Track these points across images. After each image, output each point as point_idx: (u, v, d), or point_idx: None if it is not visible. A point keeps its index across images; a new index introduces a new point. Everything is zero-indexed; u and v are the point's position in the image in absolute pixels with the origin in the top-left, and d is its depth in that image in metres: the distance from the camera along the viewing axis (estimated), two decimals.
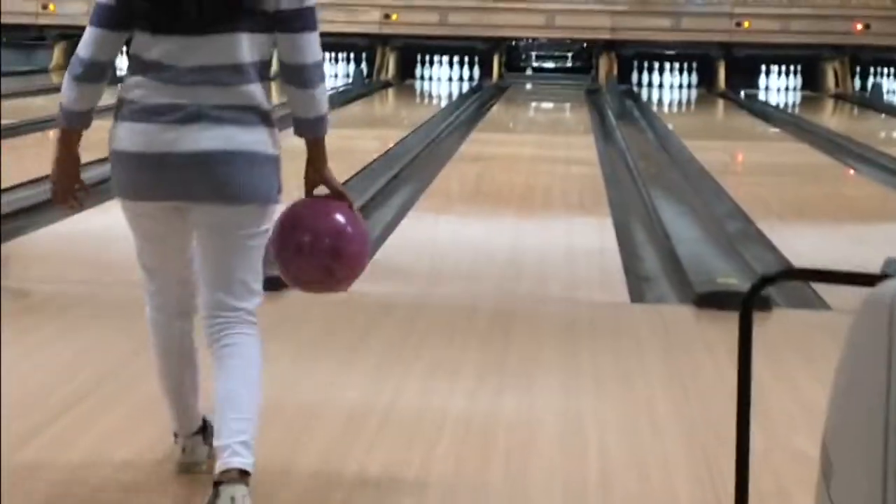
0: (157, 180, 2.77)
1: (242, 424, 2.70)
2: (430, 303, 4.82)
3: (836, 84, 17.13)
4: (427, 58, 17.47)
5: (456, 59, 17.46)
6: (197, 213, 2.79)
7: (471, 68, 17.48)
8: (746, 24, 16.74)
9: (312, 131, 2.91)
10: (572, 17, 16.75)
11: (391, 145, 10.30)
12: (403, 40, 17.13)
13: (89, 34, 2.81)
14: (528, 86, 17.35)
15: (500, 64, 17.18)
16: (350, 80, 17.08)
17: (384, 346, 4.19)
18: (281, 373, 3.65)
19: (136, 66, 2.82)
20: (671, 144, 10.81)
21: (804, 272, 2.12)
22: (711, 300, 4.66)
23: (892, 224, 7.39)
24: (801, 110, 15.50)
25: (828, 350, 4.06)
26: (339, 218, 2.94)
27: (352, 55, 17.47)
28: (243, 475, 2.66)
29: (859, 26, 16.77)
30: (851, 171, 9.67)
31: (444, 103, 15.46)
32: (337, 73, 17.45)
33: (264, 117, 2.82)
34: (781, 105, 16.14)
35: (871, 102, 16.25)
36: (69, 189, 2.89)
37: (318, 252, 2.90)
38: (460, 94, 15.98)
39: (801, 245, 6.27)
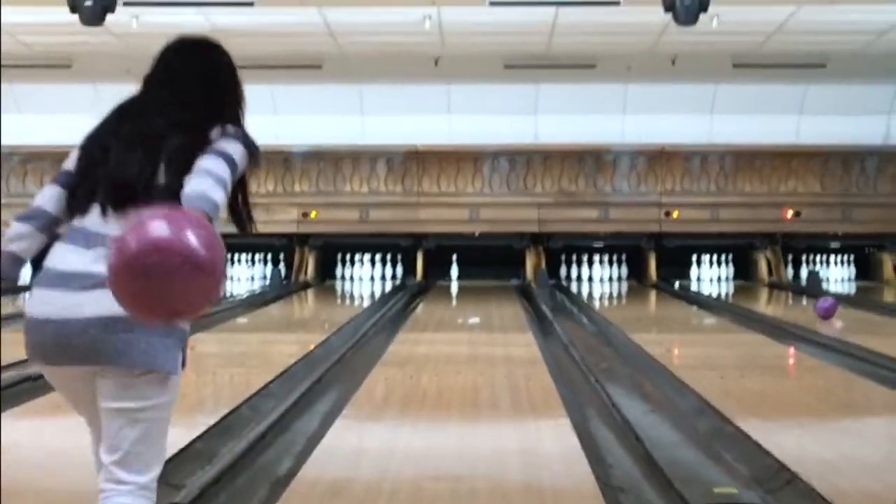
0: (60, 345, 2.81)
1: None
2: None
3: (770, 273, 16.70)
4: (348, 257, 16.80)
5: (378, 257, 16.80)
6: (99, 378, 2.82)
7: (393, 266, 16.81)
8: (675, 213, 16.34)
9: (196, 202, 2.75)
10: (498, 211, 16.23)
11: (312, 348, 9.44)
12: (323, 239, 16.47)
13: (45, 188, 3.01)
14: (454, 284, 16.67)
15: (425, 261, 16.53)
16: (267, 282, 16.29)
17: None
18: None
19: (66, 231, 2.94)
20: (614, 337, 10.08)
21: None
22: None
23: (874, 415, 6.64)
24: (739, 300, 14.93)
25: None
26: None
27: (269, 256, 16.75)
28: None
29: (790, 213, 16.45)
30: (810, 359, 8.97)
31: (366, 303, 14.68)
32: (253, 275, 16.70)
33: None
34: (716, 296, 15.59)
35: (810, 291, 15.76)
36: None
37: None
38: (383, 294, 15.24)
39: (785, 440, 5.47)
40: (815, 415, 6.48)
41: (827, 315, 11.29)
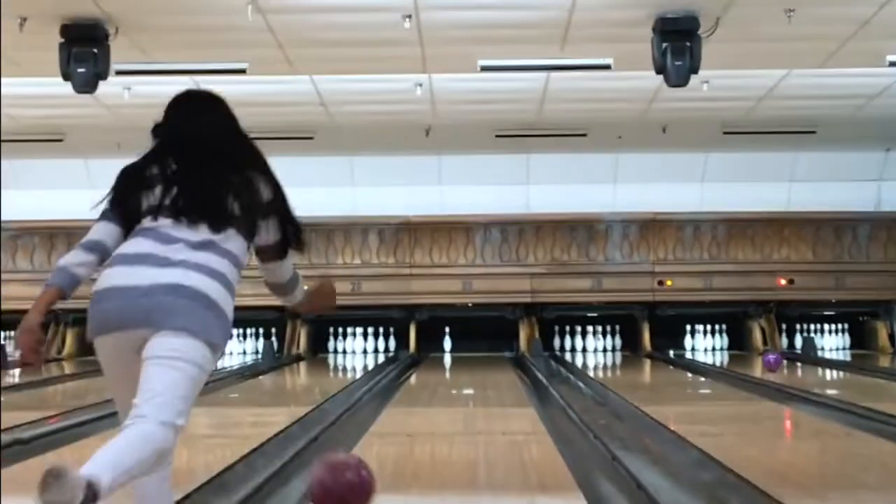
0: (123, 308, 3.07)
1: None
2: None
3: (764, 342, 16.59)
4: (340, 330, 16.68)
5: (370, 329, 16.69)
6: (150, 338, 3.07)
7: (386, 339, 16.70)
8: (669, 282, 16.28)
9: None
10: (490, 282, 16.16)
11: (304, 414, 9.26)
12: (315, 313, 16.33)
13: (100, 225, 3.30)
14: (448, 356, 16.53)
15: (418, 334, 16.40)
16: (259, 356, 16.14)
17: None
18: None
19: (136, 230, 3.27)
20: (612, 401, 9.95)
21: None
22: None
23: (877, 464, 6.50)
24: (735, 368, 14.79)
25: None
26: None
27: (261, 330, 16.62)
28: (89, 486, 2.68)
29: (783, 281, 16.39)
30: (811, 418, 8.85)
31: (358, 375, 14.52)
32: (245, 349, 16.55)
33: (228, 286, 3.21)
34: (711, 364, 15.46)
35: (805, 356, 15.66)
36: (31, 343, 3.11)
37: None
38: (376, 366, 15.10)
39: (791, 489, 5.34)
40: (818, 467, 6.36)
41: (773, 367, 12.62)
